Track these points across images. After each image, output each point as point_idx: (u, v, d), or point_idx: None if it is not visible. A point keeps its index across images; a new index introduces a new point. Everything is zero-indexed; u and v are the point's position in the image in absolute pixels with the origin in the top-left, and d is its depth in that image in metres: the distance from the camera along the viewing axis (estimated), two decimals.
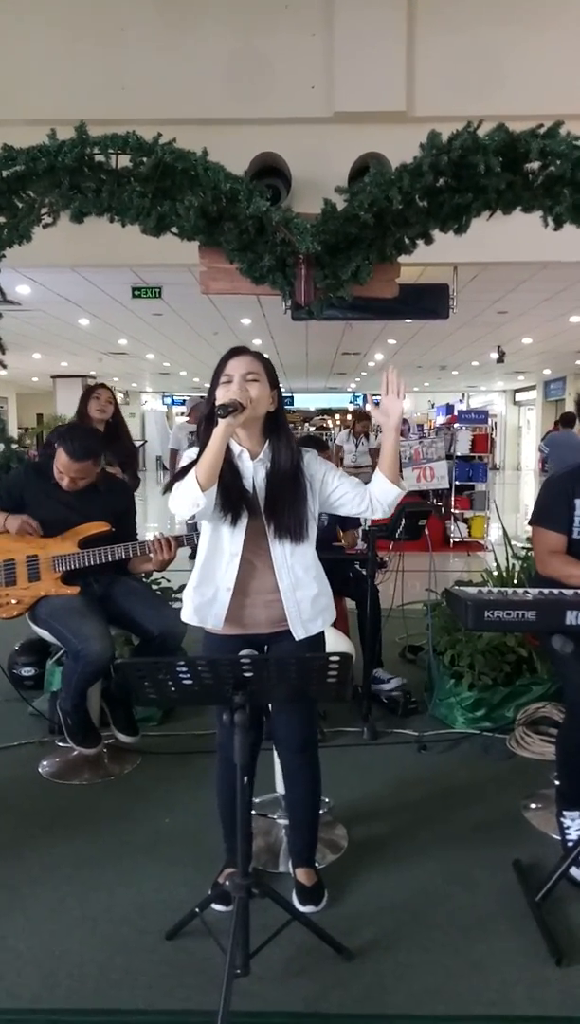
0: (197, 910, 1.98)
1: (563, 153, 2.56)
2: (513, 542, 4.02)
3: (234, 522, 2.02)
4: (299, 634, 2.06)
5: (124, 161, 2.78)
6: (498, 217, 2.85)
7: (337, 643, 2.49)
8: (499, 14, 3.70)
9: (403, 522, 3.69)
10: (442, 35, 3.72)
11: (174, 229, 2.93)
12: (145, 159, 2.71)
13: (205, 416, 1.99)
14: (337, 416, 27.17)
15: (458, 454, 9.15)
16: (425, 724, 3.48)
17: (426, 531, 4.07)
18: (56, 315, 10.68)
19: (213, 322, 11.27)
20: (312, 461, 2.13)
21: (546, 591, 2.26)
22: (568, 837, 2.41)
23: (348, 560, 3.93)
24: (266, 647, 2.11)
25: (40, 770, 3.06)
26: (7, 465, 3.55)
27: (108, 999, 1.84)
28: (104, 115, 3.27)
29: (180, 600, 3.71)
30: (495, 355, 14.02)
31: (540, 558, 2.54)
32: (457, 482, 9.01)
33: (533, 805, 2.75)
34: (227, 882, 1.87)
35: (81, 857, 2.44)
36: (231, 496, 2.01)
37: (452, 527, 9.03)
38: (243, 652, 1.72)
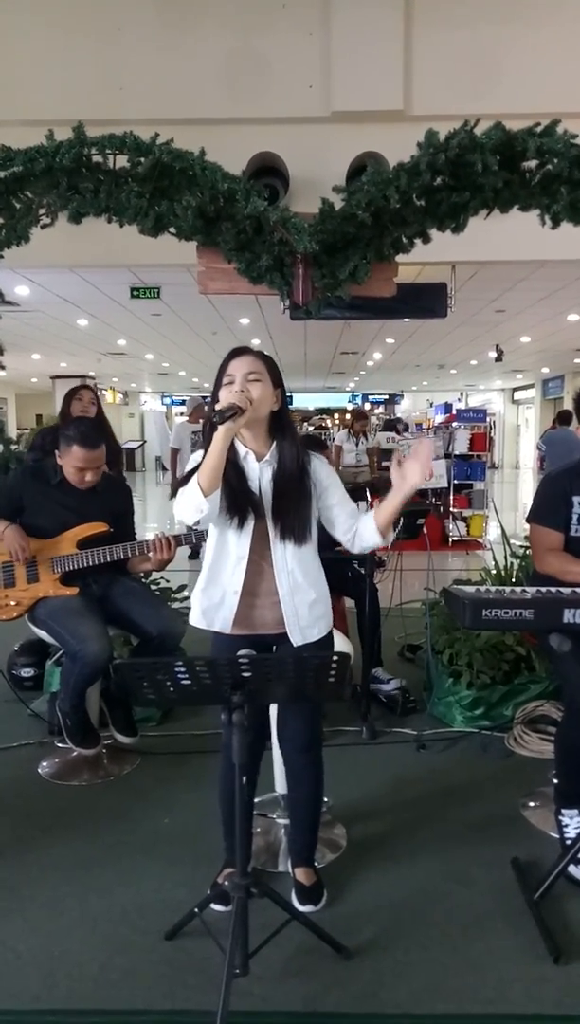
0: (196, 910, 1.99)
1: (560, 151, 2.55)
2: (511, 541, 4.02)
3: (241, 525, 2.01)
4: (296, 639, 2.05)
5: (122, 161, 2.77)
6: (495, 216, 2.85)
7: (336, 642, 2.49)
8: (496, 13, 3.70)
9: (401, 521, 3.69)
10: (439, 34, 3.72)
11: (172, 229, 2.93)
12: (143, 159, 2.71)
13: (208, 418, 1.98)
14: (335, 416, 27.16)
15: (457, 453, 9.16)
16: (424, 723, 3.48)
17: (424, 530, 4.07)
18: (55, 316, 10.68)
19: (212, 322, 11.28)
20: (320, 466, 2.11)
21: (544, 590, 2.27)
22: (566, 835, 2.42)
23: (347, 559, 3.93)
24: (275, 647, 2.11)
25: (39, 771, 3.06)
26: (5, 466, 3.55)
27: (107, 999, 1.84)
28: (102, 115, 3.27)
29: (179, 600, 3.74)
30: (493, 354, 14.03)
31: (538, 555, 2.54)
32: (456, 481, 9.02)
33: (531, 803, 2.76)
34: (226, 882, 1.87)
35: (80, 857, 2.44)
36: (237, 499, 2.00)
37: (451, 526, 9.04)
38: (241, 652, 1.72)
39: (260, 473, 2.04)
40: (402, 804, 2.80)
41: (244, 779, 1.80)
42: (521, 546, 3.93)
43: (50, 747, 3.26)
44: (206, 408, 2.95)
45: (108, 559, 2.91)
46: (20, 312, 10.23)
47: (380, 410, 25.79)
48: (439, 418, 17.43)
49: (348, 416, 13.03)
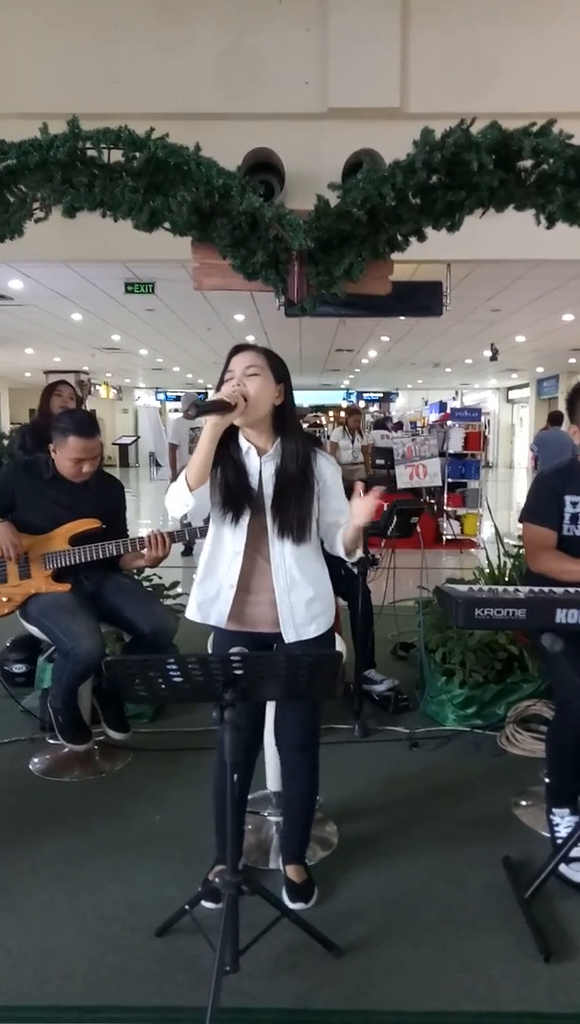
0: (187, 907, 1.99)
1: (556, 151, 2.55)
2: (505, 540, 4.03)
3: (235, 520, 2.01)
4: (289, 636, 2.05)
5: (116, 156, 2.76)
6: (491, 215, 2.85)
7: None
8: (493, 11, 3.69)
9: (395, 519, 3.69)
10: (436, 32, 3.71)
11: (167, 224, 2.92)
12: (138, 154, 2.70)
13: (185, 411, 1.98)
14: (330, 413, 27.15)
15: (451, 451, 9.17)
16: (416, 721, 3.49)
17: (418, 528, 4.07)
18: (48, 310, 10.64)
19: (206, 318, 11.25)
20: (326, 465, 2.09)
21: (536, 589, 2.27)
22: (557, 834, 2.42)
23: (340, 558, 3.93)
24: (275, 645, 2.11)
25: (31, 767, 3.05)
26: None
27: (98, 996, 1.84)
28: (96, 109, 3.25)
29: (171, 596, 3.73)
30: (488, 353, 14.04)
31: (531, 554, 2.54)
32: (450, 480, 9.03)
33: (523, 802, 2.76)
34: (217, 879, 1.87)
35: (71, 854, 2.43)
36: (233, 495, 2.00)
37: (445, 525, 9.05)
38: (233, 649, 1.72)
39: (261, 468, 2.03)
40: (394, 802, 2.81)
41: (235, 776, 1.80)
42: (515, 545, 3.94)
43: (42, 743, 3.25)
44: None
45: (101, 556, 2.90)
46: (13, 306, 10.18)
47: (375, 408, 25.79)
48: (434, 416, 17.46)
49: (342, 414, 13.03)
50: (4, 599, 2.91)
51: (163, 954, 1.98)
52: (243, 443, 2.04)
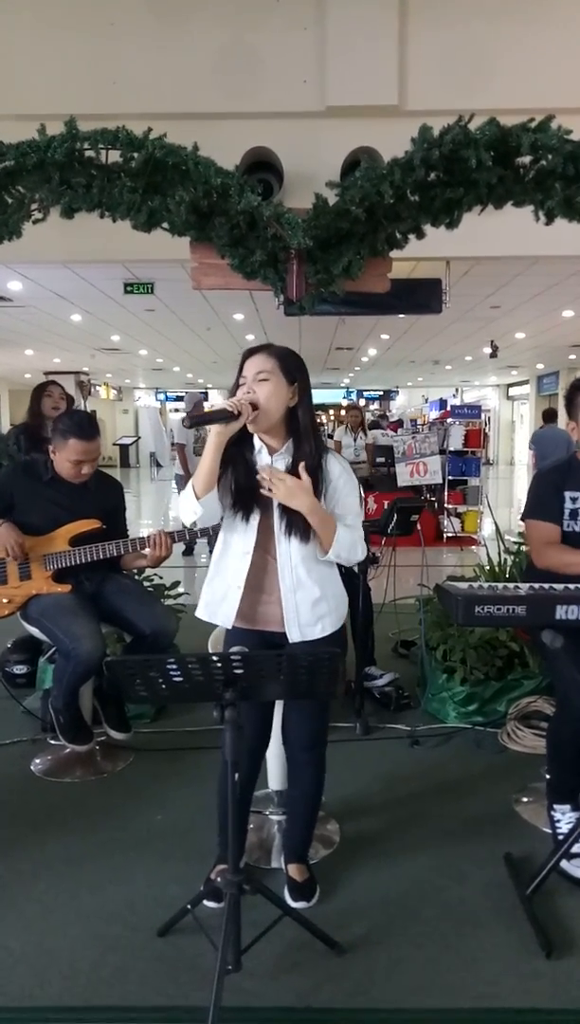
0: (189, 907, 1.99)
1: (554, 147, 2.55)
2: (505, 537, 4.03)
3: (245, 520, 2.02)
4: (294, 636, 2.04)
5: (114, 156, 2.76)
6: (490, 212, 2.84)
7: None
8: (491, 8, 3.69)
9: (395, 517, 3.69)
10: (434, 29, 3.70)
11: (165, 224, 2.92)
12: (136, 154, 2.69)
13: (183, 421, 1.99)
14: (330, 412, 27.15)
15: (451, 449, 9.17)
16: (417, 719, 3.49)
17: (418, 526, 4.07)
18: (48, 311, 10.64)
19: (206, 317, 11.25)
20: (335, 465, 2.06)
21: (536, 586, 2.27)
22: (558, 830, 2.43)
23: None
24: (286, 646, 2.10)
25: (32, 768, 3.06)
26: None
27: (100, 996, 1.84)
28: (94, 110, 3.25)
29: (172, 596, 3.73)
30: (488, 350, 14.04)
31: (536, 550, 2.53)
32: (450, 477, 9.03)
33: (524, 799, 2.76)
34: (219, 878, 1.87)
35: (73, 854, 2.43)
36: (242, 495, 2.00)
37: (445, 522, 9.05)
38: (233, 648, 1.72)
39: (273, 465, 2.02)
40: (395, 800, 2.81)
41: (237, 776, 1.80)
42: (515, 542, 3.94)
43: (43, 744, 3.26)
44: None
45: (101, 556, 2.90)
46: (13, 308, 10.18)
47: (375, 406, 25.78)
48: (434, 414, 17.45)
49: (343, 412, 13.04)
50: (5, 600, 2.91)
51: (165, 954, 1.98)
52: (256, 443, 2.05)
